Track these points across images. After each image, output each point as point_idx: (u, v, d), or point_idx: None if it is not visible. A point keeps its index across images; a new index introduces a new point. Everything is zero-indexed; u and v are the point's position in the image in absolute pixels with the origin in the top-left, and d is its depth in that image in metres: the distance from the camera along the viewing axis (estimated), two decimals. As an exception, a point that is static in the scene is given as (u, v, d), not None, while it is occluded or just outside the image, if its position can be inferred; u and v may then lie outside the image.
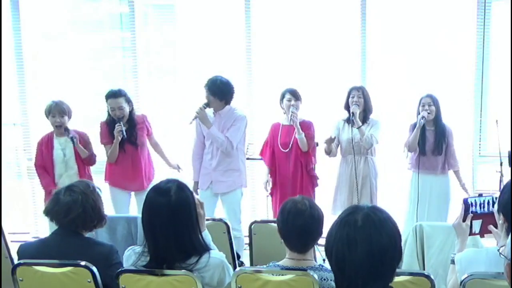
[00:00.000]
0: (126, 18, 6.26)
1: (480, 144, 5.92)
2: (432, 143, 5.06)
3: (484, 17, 5.74)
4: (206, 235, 2.77)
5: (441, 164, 5.09)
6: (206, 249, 2.66)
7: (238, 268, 2.95)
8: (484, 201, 2.83)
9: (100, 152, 5.11)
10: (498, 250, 1.86)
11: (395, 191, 5.75)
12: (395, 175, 5.80)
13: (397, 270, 1.82)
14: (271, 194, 5.34)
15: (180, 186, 2.64)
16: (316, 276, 2.58)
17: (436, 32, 5.99)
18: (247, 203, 5.91)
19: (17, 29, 6.23)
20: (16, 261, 2.97)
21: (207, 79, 4.88)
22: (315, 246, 2.96)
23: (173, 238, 2.58)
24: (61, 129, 4.88)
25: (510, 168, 4.97)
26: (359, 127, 5.02)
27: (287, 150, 5.12)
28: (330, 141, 5.11)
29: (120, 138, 4.85)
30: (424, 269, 3.57)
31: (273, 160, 5.27)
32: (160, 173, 5.19)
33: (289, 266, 2.68)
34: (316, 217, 2.66)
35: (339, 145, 5.22)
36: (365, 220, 1.75)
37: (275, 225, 2.78)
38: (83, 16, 6.55)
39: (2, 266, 3.67)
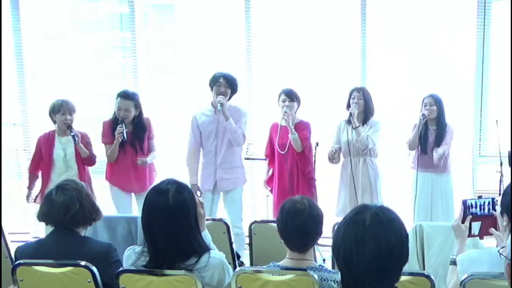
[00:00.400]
0: (126, 18, 6.26)
1: (480, 144, 5.92)
2: (432, 142, 5.08)
3: (484, 17, 5.74)
4: (206, 235, 2.77)
5: (442, 162, 5.10)
6: (206, 249, 2.66)
7: (238, 268, 2.94)
8: (483, 203, 2.82)
9: (100, 151, 5.10)
10: (498, 251, 1.86)
11: (396, 191, 5.75)
12: (396, 175, 5.80)
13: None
14: (271, 190, 5.32)
15: (180, 187, 2.63)
16: (316, 276, 2.58)
17: (436, 32, 5.98)
18: (247, 203, 5.90)
19: (17, 29, 6.23)
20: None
21: (211, 75, 4.91)
22: (315, 246, 2.95)
23: (171, 238, 2.58)
24: (67, 127, 4.87)
25: (510, 168, 4.97)
26: (355, 128, 5.01)
27: (284, 152, 5.09)
28: (333, 154, 5.11)
29: (120, 140, 4.84)
30: (424, 269, 3.57)
31: (274, 160, 5.26)
32: (161, 175, 5.17)
33: (289, 266, 2.67)
34: (315, 217, 2.66)
35: (340, 147, 5.22)
36: (374, 219, 1.74)
37: (275, 225, 2.78)
38: (83, 16, 6.55)
39: (2, 266, 3.67)
